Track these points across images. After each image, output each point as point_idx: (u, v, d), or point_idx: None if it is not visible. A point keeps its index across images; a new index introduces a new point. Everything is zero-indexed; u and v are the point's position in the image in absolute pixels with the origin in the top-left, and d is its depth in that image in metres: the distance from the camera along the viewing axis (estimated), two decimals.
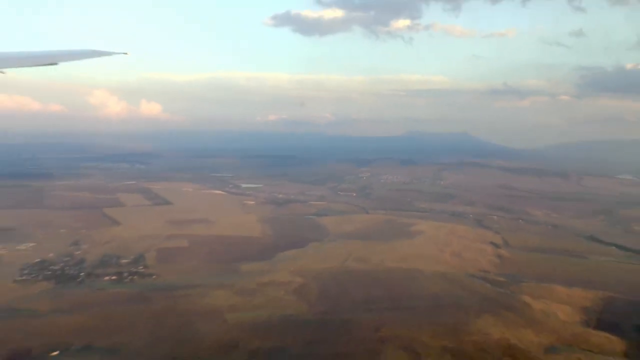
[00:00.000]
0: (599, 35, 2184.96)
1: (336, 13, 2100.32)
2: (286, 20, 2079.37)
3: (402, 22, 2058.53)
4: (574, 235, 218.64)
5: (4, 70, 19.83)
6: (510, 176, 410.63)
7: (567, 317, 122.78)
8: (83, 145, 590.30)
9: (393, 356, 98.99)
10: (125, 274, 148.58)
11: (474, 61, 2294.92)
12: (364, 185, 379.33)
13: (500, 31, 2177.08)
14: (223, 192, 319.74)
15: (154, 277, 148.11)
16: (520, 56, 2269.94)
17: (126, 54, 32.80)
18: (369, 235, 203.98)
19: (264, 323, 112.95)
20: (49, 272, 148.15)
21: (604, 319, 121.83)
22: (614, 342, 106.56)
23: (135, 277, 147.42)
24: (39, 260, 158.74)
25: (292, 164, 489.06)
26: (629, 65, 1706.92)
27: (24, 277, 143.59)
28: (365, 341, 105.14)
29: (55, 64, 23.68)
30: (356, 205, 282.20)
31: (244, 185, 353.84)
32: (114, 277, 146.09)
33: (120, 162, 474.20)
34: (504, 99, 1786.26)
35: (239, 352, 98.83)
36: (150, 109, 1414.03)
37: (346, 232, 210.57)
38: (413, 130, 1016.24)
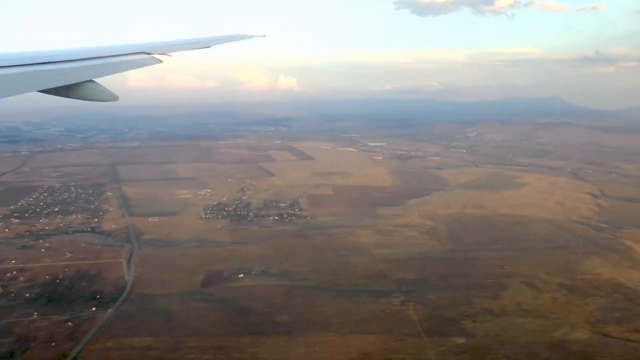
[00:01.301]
0: None
1: None
2: (406, 4, 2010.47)
3: (505, 1, 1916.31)
4: None
5: (170, 54, 20.24)
6: (599, 134, 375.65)
7: None
8: (234, 112, 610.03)
9: (518, 289, 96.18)
10: (285, 215, 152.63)
11: (568, 32, 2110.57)
12: (471, 143, 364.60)
13: (593, 4, 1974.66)
14: (354, 150, 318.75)
15: (308, 218, 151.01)
16: (613, 26, 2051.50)
17: (264, 36, 32.27)
18: (482, 186, 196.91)
19: (404, 258, 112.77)
20: (225, 212, 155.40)
21: None
22: None
23: (293, 217, 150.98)
24: (216, 202, 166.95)
25: (408, 125, 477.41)
26: None
27: (207, 216, 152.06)
28: (492, 275, 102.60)
29: (209, 46, 23.74)
30: (467, 160, 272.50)
31: (370, 144, 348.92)
32: (276, 217, 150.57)
33: (266, 126, 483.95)
34: (593, 66, 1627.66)
35: (388, 281, 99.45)
36: (287, 82, 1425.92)
37: (462, 182, 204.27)
38: (510, 95, 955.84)
